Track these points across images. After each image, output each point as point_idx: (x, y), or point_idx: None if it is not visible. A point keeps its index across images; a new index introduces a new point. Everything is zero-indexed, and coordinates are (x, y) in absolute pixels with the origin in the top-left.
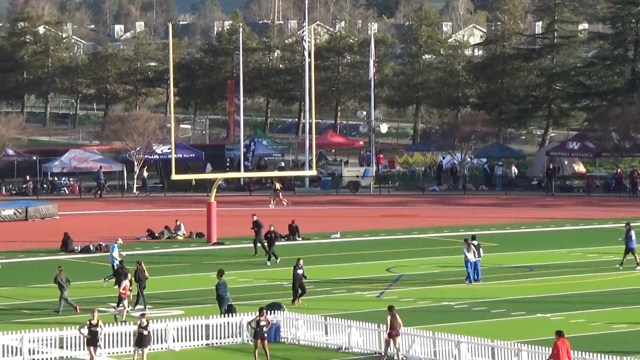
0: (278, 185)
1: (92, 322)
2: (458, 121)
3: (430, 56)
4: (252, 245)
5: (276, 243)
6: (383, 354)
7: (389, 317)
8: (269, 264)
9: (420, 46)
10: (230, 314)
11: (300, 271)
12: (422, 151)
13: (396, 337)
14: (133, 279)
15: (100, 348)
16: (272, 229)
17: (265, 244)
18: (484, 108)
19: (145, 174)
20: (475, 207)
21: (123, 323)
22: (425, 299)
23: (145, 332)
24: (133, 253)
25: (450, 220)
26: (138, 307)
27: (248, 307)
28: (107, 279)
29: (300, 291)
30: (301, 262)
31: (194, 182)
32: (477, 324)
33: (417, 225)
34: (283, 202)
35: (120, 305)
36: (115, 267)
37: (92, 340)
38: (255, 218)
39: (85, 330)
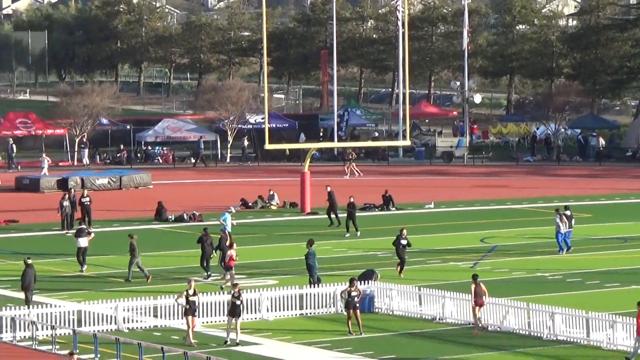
0: (353, 156)
1: (189, 291)
2: (552, 92)
3: (524, 26)
4: (340, 216)
5: (370, 213)
6: (474, 323)
7: (473, 286)
8: (347, 235)
9: (514, 16)
10: (316, 284)
11: (403, 241)
12: (516, 122)
13: (480, 306)
14: (217, 246)
15: (197, 317)
16: (351, 200)
17: (337, 216)
18: (578, 79)
19: (246, 143)
20: (569, 178)
21: (221, 292)
22: (519, 270)
23: (238, 302)
24: None
25: (543, 191)
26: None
27: (342, 277)
28: (216, 250)
29: (399, 261)
30: (404, 232)
31: (287, 151)
32: (571, 295)
33: (511, 196)
34: (348, 173)
35: (226, 274)
36: (224, 234)
37: (190, 309)
38: (329, 189)
39: (182, 300)
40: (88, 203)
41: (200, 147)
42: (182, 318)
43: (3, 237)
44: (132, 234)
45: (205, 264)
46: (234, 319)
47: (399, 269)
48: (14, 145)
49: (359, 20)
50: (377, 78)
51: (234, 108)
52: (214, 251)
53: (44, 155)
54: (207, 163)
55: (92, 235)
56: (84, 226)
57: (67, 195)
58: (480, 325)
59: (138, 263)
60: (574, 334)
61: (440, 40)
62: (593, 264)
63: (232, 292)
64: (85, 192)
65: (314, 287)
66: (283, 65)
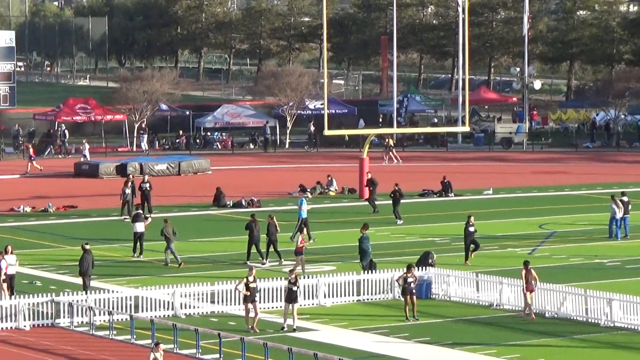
0: (391, 142)
1: (249, 278)
2: (612, 78)
3: (584, 12)
4: (406, 200)
5: (429, 199)
6: (528, 310)
7: (524, 272)
8: (399, 222)
9: (575, 2)
10: (371, 270)
11: (471, 228)
12: (576, 108)
13: (530, 292)
14: (266, 233)
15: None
16: (396, 187)
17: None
18: (639, 64)
19: (312, 128)
20: (628, 164)
21: (306, 277)
22: (577, 256)
23: (295, 288)
24: (285, 208)
25: (603, 177)
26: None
27: (400, 263)
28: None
29: (473, 247)
30: (472, 219)
31: (346, 137)
32: (629, 282)
33: (570, 182)
34: (395, 158)
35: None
36: (272, 220)
37: (250, 296)
38: (369, 176)
39: (242, 287)
40: (148, 189)
41: (266, 133)
42: (239, 304)
43: (62, 223)
44: (167, 219)
45: (257, 250)
46: (290, 305)
47: (472, 255)
48: (66, 132)
49: (419, 6)
50: (436, 64)
51: (294, 94)
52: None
53: (84, 141)
54: (267, 148)
55: (149, 220)
56: (140, 211)
57: (129, 183)
58: (528, 310)
59: (169, 249)
60: (631, 320)
61: (501, 26)
62: None
63: (289, 278)
64: (146, 177)
65: (367, 272)
66: (343, 51)
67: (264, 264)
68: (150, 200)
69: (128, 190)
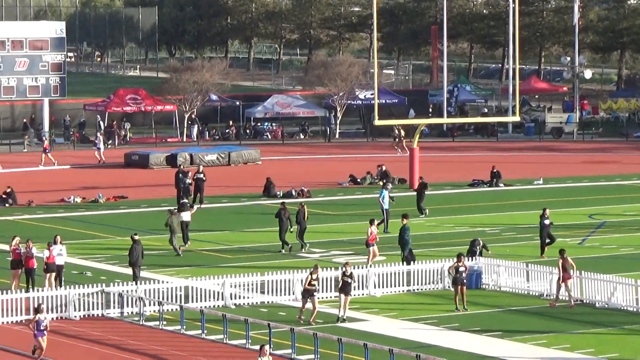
0: (402, 132)
1: (313, 276)
2: None
3: (635, 1)
4: (455, 190)
5: (478, 189)
6: (554, 297)
7: (560, 261)
8: (422, 216)
9: None
10: (411, 260)
11: (547, 221)
12: (627, 97)
13: (567, 280)
14: (295, 220)
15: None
16: (421, 180)
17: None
18: None
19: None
20: None
21: (370, 266)
22: (628, 247)
23: (350, 280)
24: (334, 199)
25: None
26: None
27: (449, 254)
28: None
29: (548, 240)
30: (547, 211)
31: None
32: None
33: (620, 172)
34: (401, 149)
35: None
36: (302, 208)
37: (310, 292)
38: (384, 168)
39: (306, 284)
40: (202, 179)
41: (331, 123)
42: (289, 294)
43: (112, 213)
44: (172, 210)
45: (280, 238)
46: (344, 296)
47: (542, 253)
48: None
49: None
50: (487, 53)
51: (344, 84)
52: (290, 225)
53: (98, 134)
54: (329, 138)
55: (195, 209)
56: (185, 200)
57: (189, 172)
58: (571, 298)
59: (172, 239)
60: None
61: (551, 15)
62: None
63: (344, 269)
64: (201, 167)
65: (407, 263)
66: (393, 41)
67: (303, 250)
68: (203, 191)
69: (188, 180)
